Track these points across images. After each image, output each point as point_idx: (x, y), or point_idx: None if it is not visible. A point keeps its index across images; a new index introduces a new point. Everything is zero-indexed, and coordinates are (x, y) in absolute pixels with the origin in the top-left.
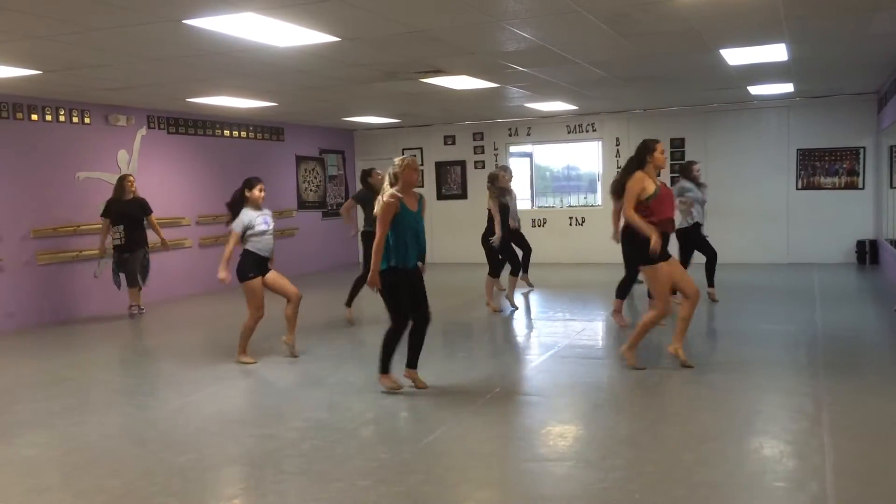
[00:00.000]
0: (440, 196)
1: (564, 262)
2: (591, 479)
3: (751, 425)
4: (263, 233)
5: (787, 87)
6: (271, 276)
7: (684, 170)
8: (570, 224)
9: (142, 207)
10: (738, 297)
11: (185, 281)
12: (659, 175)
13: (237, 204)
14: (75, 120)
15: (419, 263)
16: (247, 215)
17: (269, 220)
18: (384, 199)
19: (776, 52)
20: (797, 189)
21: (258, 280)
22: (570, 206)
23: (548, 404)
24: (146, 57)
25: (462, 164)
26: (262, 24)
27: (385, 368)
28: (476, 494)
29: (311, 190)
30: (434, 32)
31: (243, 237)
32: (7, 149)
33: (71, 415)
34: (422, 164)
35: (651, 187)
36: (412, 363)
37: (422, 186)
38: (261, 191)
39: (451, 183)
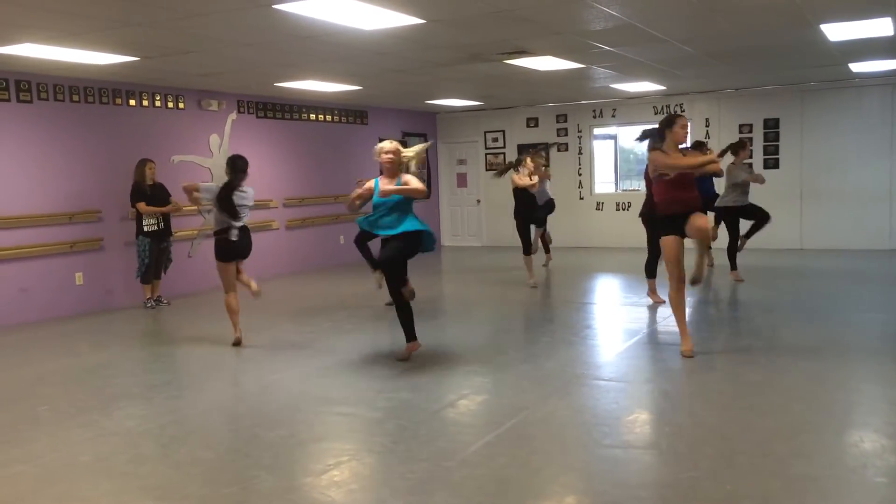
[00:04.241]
0: None
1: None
2: (679, 469)
3: (849, 417)
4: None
5: (892, 64)
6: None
7: (741, 148)
8: None
9: (166, 193)
10: (837, 283)
11: (272, 262)
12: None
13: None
14: (170, 105)
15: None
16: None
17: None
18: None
19: (881, 27)
20: None
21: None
22: None
23: (633, 391)
24: (238, 42)
25: (545, 146)
26: (349, 8)
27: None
28: (560, 479)
29: None
30: (519, 12)
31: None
32: (106, 133)
33: (168, 389)
34: (504, 147)
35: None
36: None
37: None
38: None
39: None
